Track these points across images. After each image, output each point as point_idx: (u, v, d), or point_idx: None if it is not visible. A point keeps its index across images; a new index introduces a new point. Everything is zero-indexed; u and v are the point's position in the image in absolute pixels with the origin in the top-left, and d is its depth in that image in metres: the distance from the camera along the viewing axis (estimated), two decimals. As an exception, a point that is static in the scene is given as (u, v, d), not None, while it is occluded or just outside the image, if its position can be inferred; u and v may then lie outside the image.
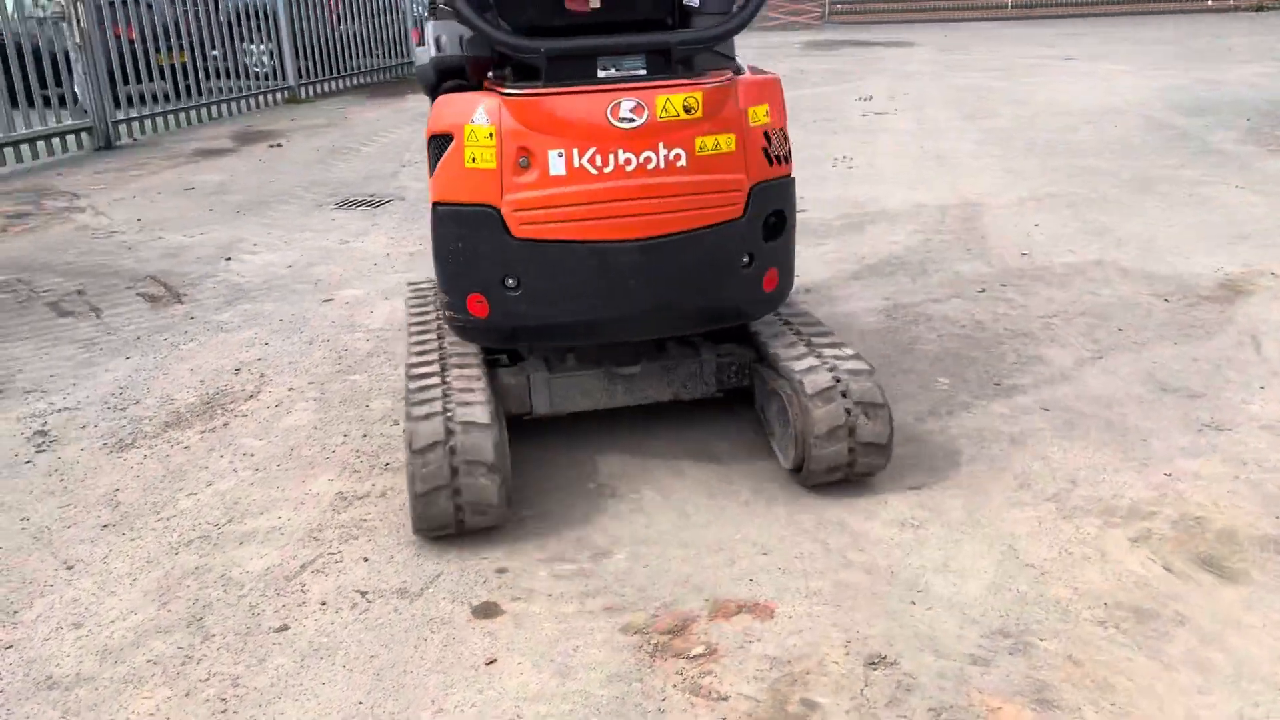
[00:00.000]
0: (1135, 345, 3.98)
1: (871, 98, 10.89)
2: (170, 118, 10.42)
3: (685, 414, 3.40)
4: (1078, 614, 2.42)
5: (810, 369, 2.94)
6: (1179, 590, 2.50)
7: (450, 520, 2.69)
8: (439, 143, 2.75)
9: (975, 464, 3.13)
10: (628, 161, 2.68)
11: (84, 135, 9.33)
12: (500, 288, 2.79)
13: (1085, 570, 2.59)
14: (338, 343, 4.33)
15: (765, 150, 2.85)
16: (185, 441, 3.48)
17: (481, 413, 2.74)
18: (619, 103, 2.65)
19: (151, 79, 10.29)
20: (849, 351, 3.03)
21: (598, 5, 2.72)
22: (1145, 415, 3.41)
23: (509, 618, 2.48)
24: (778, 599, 2.52)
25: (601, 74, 2.69)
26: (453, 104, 2.74)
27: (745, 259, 2.88)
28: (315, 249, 5.87)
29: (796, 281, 4.85)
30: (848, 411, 2.84)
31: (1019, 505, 2.90)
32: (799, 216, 6.03)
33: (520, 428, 3.23)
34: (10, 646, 2.45)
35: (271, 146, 9.29)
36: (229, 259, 5.71)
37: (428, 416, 2.71)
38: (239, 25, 11.58)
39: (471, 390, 2.87)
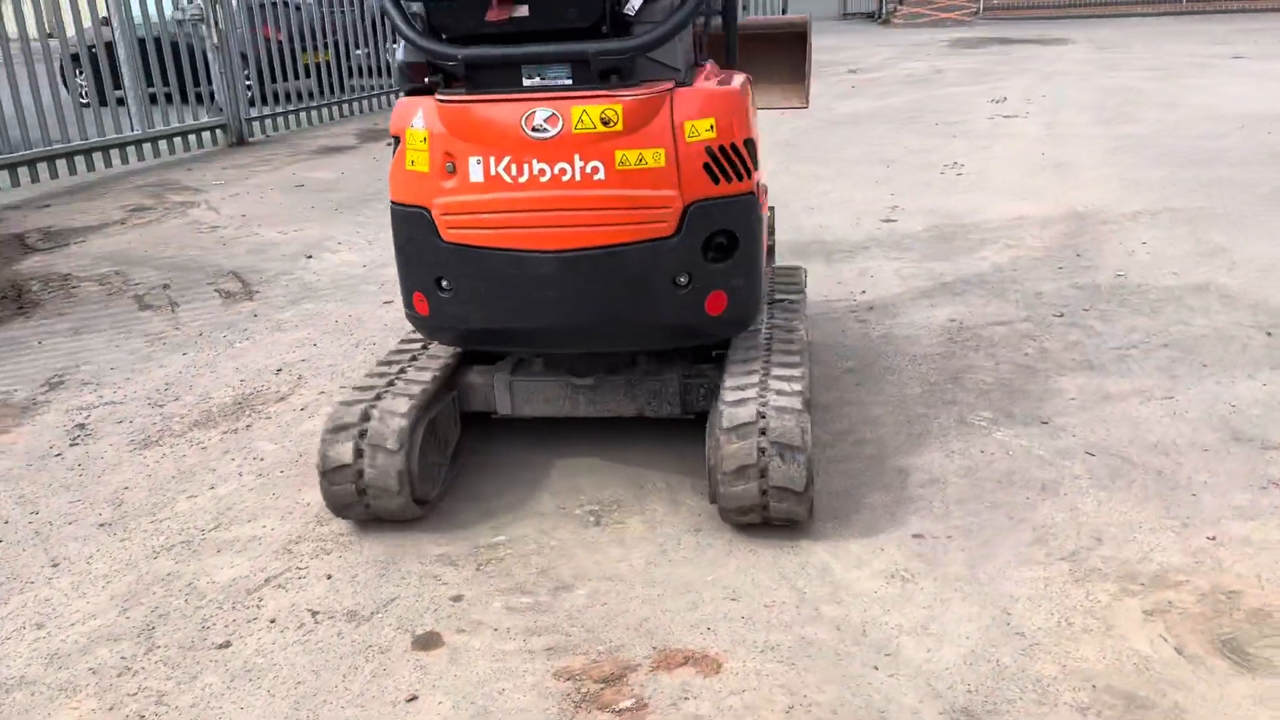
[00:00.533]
0: (1217, 384, 3.58)
1: (1005, 99, 10.34)
2: (303, 115, 10.82)
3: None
4: (1058, 696, 2.16)
5: (737, 401, 2.77)
6: (1184, 677, 2.19)
7: (355, 501, 2.81)
8: (394, 144, 2.85)
9: (994, 512, 2.86)
10: (542, 172, 2.64)
11: (219, 132, 9.79)
12: (436, 288, 2.86)
13: (1082, 645, 2.31)
14: (383, 347, 4.34)
15: (708, 167, 2.68)
16: (205, 442, 3.54)
17: (402, 404, 2.85)
18: (533, 112, 2.61)
19: (297, 76, 10.72)
20: (795, 386, 2.81)
21: (523, 14, 2.59)
22: (1204, 467, 3.05)
23: (446, 651, 2.39)
24: (730, 652, 2.34)
25: (527, 83, 2.65)
26: (401, 108, 2.81)
27: (682, 279, 2.74)
28: (394, 249, 5.94)
29: (863, 297, 4.62)
30: (761, 451, 2.64)
31: (1029, 563, 2.62)
32: (884, 228, 5.78)
33: (542, 448, 3.30)
34: (-25, 642, 2.51)
35: (389, 144, 9.51)
36: (310, 257, 5.84)
37: (352, 404, 2.88)
38: (384, 24, 11.93)
39: (409, 384, 2.97)
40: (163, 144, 9.16)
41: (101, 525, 3.02)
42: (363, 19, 11.76)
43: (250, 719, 2.20)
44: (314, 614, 2.55)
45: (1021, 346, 3.99)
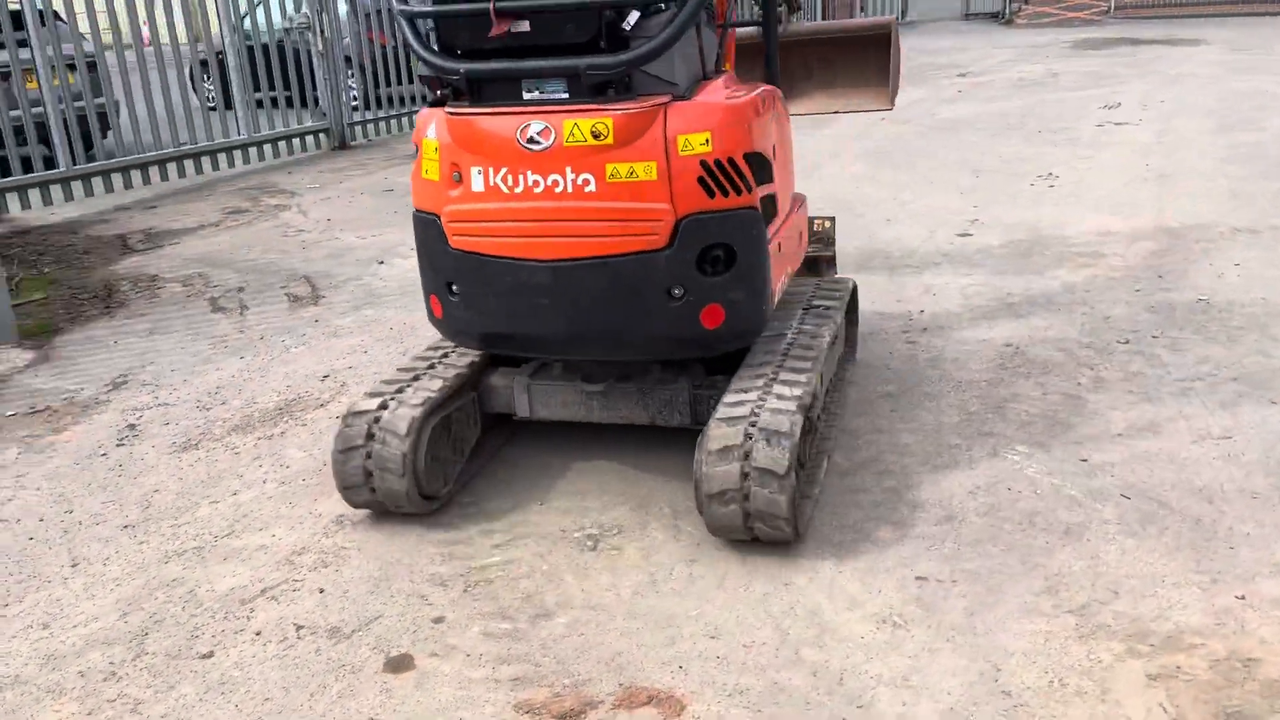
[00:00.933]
0: (1284, 424, 3.32)
1: (1119, 105, 9.86)
2: (405, 119, 11.07)
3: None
4: (1032, 765, 2.02)
5: (727, 419, 2.72)
6: (1176, 753, 2.03)
7: (362, 484, 2.94)
8: (415, 153, 2.95)
9: (1007, 555, 2.71)
10: (536, 183, 2.70)
11: (322, 136, 10.09)
12: (446, 292, 2.97)
13: (1071, 709, 2.16)
14: (429, 355, 4.39)
15: (703, 181, 2.67)
16: (240, 447, 3.63)
17: (418, 397, 2.98)
18: (527, 125, 2.66)
19: (411, 81, 10.99)
20: (790, 407, 2.72)
21: (524, 29, 2.63)
22: (1249, 516, 2.82)
23: (415, 675, 2.39)
24: (696, 694, 2.27)
25: (527, 96, 2.71)
26: (420, 119, 2.91)
27: (676, 291, 2.73)
28: (463, 256, 6.01)
29: (920, 316, 4.45)
30: (744, 475, 2.59)
31: (1033, 614, 2.47)
32: (958, 242, 5.55)
33: (564, 451, 3.38)
34: (-14, 638, 2.63)
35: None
36: (382, 262, 5.96)
37: (374, 395, 3.04)
38: None
39: (431, 380, 3.09)
40: (268, 148, 9.50)
41: (125, 527, 3.13)
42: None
43: (213, 733, 2.24)
44: (299, 628, 2.58)
45: (1076, 375, 3.78)
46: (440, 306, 3.01)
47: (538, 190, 2.69)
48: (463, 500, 3.15)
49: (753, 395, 2.80)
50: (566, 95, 2.66)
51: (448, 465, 3.10)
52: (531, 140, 2.66)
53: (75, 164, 7.89)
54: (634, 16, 2.63)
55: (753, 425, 2.67)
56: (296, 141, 9.83)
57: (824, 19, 18.83)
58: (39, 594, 2.81)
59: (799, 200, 3.51)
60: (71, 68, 8.09)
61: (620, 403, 3.10)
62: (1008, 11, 21.50)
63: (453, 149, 2.78)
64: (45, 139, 7.78)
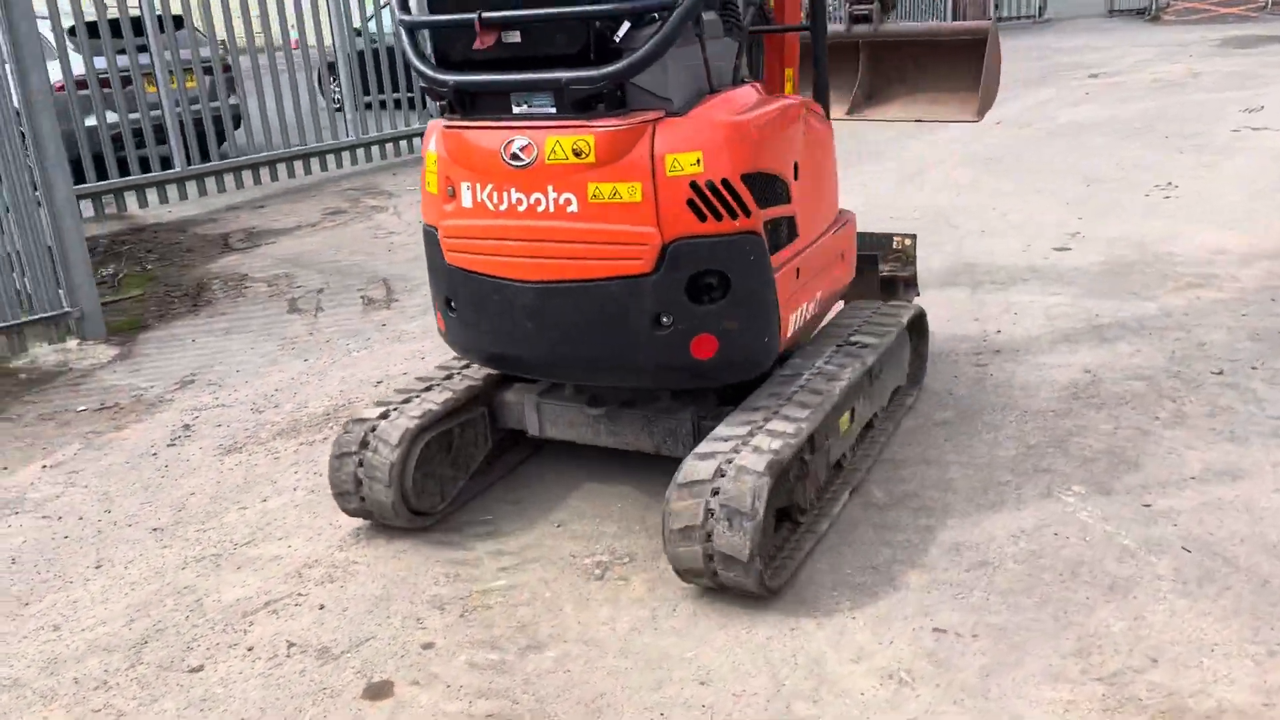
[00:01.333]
0: (1387, 473, 2.96)
1: (1261, 109, 9.18)
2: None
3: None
4: None
5: (705, 454, 2.54)
6: None
7: (352, 492, 2.91)
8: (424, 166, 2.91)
9: (1041, 610, 2.48)
10: (519, 201, 2.59)
11: (430, 137, 10.24)
12: (447, 307, 2.91)
13: (1079, 793, 1.94)
14: (484, 364, 4.35)
15: (693, 203, 2.49)
16: (281, 451, 3.66)
17: (416, 409, 2.94)
18: (511, 140, 2.55)
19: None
20: (760, 465, 2.47)
21: (516, 40, 2.52)
22: (1327, 579, 2.51)
23: (392, 703, 2.32)
24: (671, 745, 2.14)
25: (516, 110, 2.59)
26: (428, 130, 2.84)
27: (664, 320, 2.58)
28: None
29: (996, 337, 4.17)
30: (709, 513, 2.41)
31: (1057, 679, 2.24)
32: (1053, 257, 5.20)
33: (591, 471, 3.28)
34: None
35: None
36: (459, 266, 5.97)
37: (380, 404, 3.02)
38: None
39: (438, 393, 3.04)
40: (375, 149, 9.69)
41: (155, 530, 3.17)
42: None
43: (182, 752, 2.22)
44: (290, 646, 2.55)
45: (1155, 408, 3.47)
46: (442, 321, 2.96)
47: (521, 209, 2.59)
48: (480, 518, 3.08)
49: (728, 446, 2.57)
50: (554, 110, 2.53)
51: (445, 482, 3.04)
52: (515, 156, 2.56)
53: (190, 164, 8.20)
54: (625, 28, 2.47)
55: (715, 494, 2.45)
56: (404, 143, 10.01)
57: (955, 18, 18.23)
58: (58, 594, 2.86)
59: (842, 219, 3.30)
60: (190, 71, 8.42)
61: (626, 428, 2.97)
62: (1154, 7, 20.37)
63: (447, 162, 2.71)
64: (164, 140, 8.12)
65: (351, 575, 2.84)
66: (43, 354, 4.87)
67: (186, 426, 3.96)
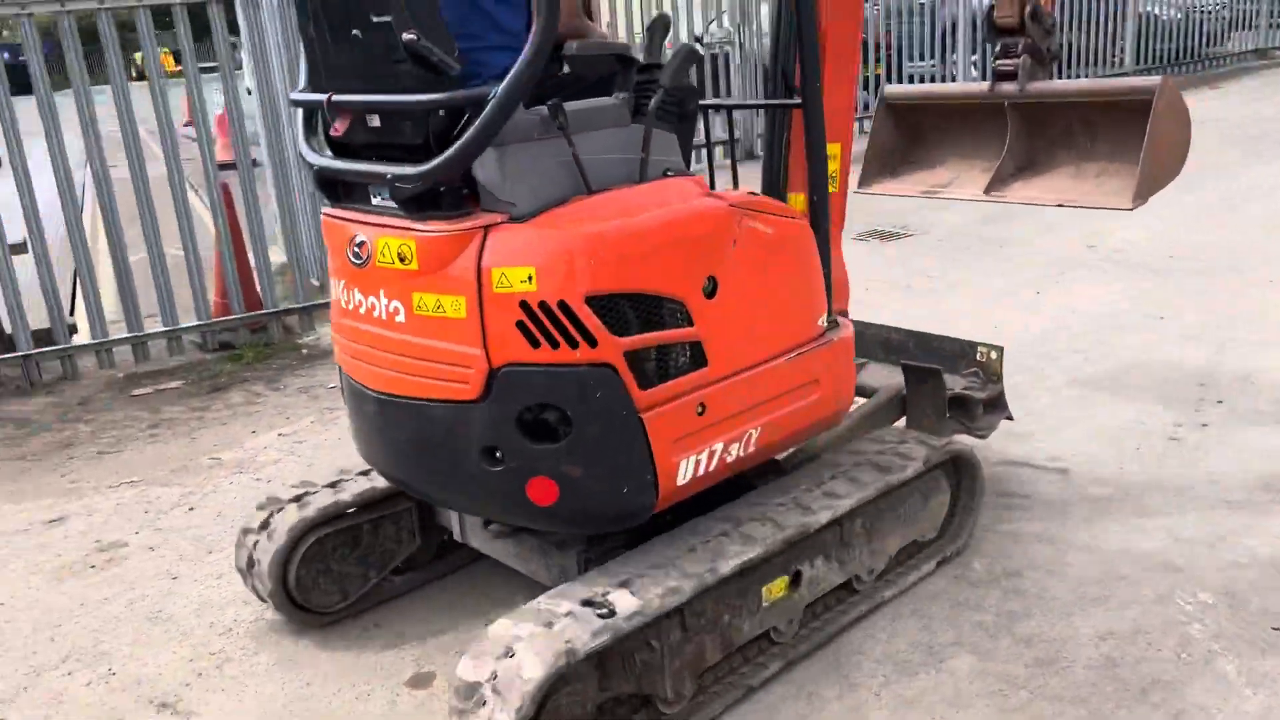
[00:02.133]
0: None
1: None
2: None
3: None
4: None
5: (494, 638, 2.15)
6: None
7: (247, 572, 2.83)
8: None
9: (1083, 726, 2.26)
10: (359, 303, 2.37)
11: (717, 148, 10.47)
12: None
13: None
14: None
15: (523, 326, 2.15)
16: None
17: (323, 499, 2.82)
18: (354, 234, 2.33)
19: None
20: (583, 633, 2.09)
21: (375, 124, 2.27)
22: None
23: None
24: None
25: (374, 201, 2.35)
26: None
27: (497, 454, 2.24)
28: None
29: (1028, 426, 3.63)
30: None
31: (1056, 804, 2.06)
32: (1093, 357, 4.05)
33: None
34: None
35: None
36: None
37: (301, 485, 2.95)
38: (952, 35, 11.73)
39: (353, 483, 2.89)
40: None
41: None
42: (931, 30, 11.55)
43: None
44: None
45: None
46: None
47: (360, 311, 2.37)
48: (386, 620, 2.92)
49: (525, 631, 2.12)
50: (395, 206, 2.26)
51: (347, 580, 2.88)
52: (354, 254, 2.34)
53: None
54: (466, 120, 2.16)
55: (483, 705, 2.05)
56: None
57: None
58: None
59: (824, 337, 2.65)
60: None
61: (529, 553, 2.64)
62: None
63: (329, 249, 2.53)
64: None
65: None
66: (326, 334, 5.65)
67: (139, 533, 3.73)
